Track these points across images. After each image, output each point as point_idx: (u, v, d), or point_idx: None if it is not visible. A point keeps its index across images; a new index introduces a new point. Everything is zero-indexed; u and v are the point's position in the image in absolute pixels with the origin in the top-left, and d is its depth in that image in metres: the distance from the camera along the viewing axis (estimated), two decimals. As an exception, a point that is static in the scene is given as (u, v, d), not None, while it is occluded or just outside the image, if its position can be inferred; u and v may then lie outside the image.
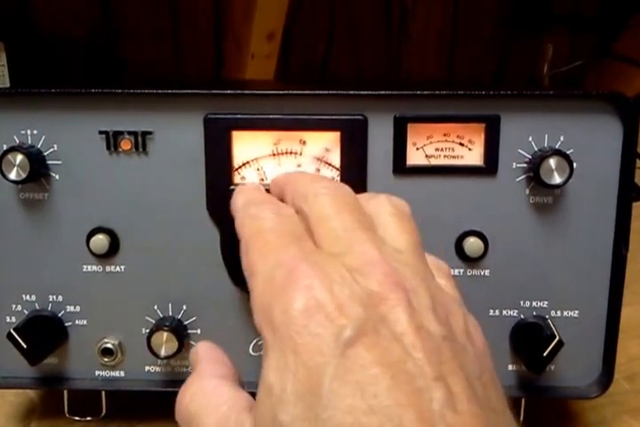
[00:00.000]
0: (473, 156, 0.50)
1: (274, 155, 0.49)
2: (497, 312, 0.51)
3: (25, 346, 0.49)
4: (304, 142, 0.49)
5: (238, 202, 0.40)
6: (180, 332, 0.50)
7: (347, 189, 0.37)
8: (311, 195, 0.35)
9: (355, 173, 0.49)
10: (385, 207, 0.36)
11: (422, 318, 0.30)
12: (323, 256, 0.31)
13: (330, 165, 0.49)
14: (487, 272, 0.51)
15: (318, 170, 0.49)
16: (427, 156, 0.50)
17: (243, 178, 0.49)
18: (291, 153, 0.49)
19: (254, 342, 0.52)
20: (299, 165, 0.49)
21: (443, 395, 0.27)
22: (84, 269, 0.51)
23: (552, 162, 0.47)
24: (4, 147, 0.49)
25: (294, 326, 0.28)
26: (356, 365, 0.27)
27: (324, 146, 0.49)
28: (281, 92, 0.50)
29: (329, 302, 0.29)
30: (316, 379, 0.27)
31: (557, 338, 0.49)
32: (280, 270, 0.31)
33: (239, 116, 0.49)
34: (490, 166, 0.49)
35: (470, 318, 0.34)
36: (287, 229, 0.34)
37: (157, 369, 0.52)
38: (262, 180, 0.49)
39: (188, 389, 0.35)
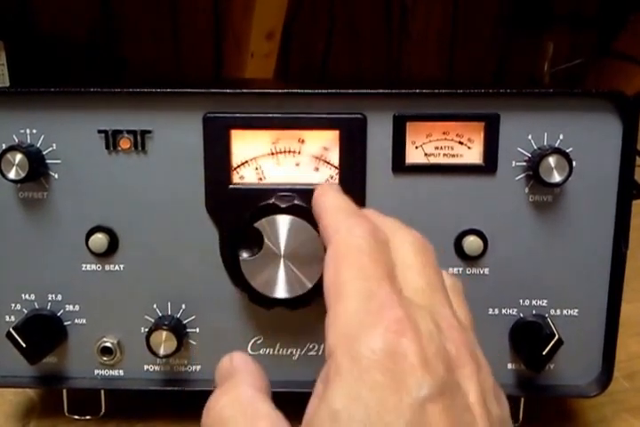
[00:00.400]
0: (472, 154, 0.50)
1: (273, 154, 0.49)
2: (496, 311, 0.51)
3: (24, 345, 0.49)
4: (303, 141, 0.49)
5: (329, 203, 0.38)
6: (179, 331, 0.50)
7: (431, 246, 0.37)
8: (399, 240, 0.36)
9: (354, 172, 0.49)
10: (447, 280, 0.37)
11: (487, 395, 0.31)
12: (414, 305, 0.32)
13: (329, 163, 0.49)
14: (486, 271, 0.51)
15: (317, 169, 0.49)
16: (426, 154, 0.50)
17: (242, 177, 0.49)
18: (290, 152, 0.49)
19: (253, 341, 0.52)
20: (297, 164, 0.49)
21: None
22: (84, 269, 0.51)
23: (551, 160, 0.47)
24: (4, 146, 0.49)
25: (378, 364, 0.29)
26: (431, 421, 0.28)
27: (323, 145, 0.49)
28: (280, 91, 0.50)
29: (416, 354, 0.29)
30: (390, 420, 0.28)
31: (557, 337, 0.49)
32: (373, 304, 0.31)
33: (238, 115, 0.49)
34: (489, 165, 0.49)
35: None
36: (382, 259, 0.34)
37: (156, 368, 0.52)
38: (260, 179, 0.49)
39: (223, 394, 0.35)
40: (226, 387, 0.35)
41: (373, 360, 0.29)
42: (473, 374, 0.31)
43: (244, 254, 0.48)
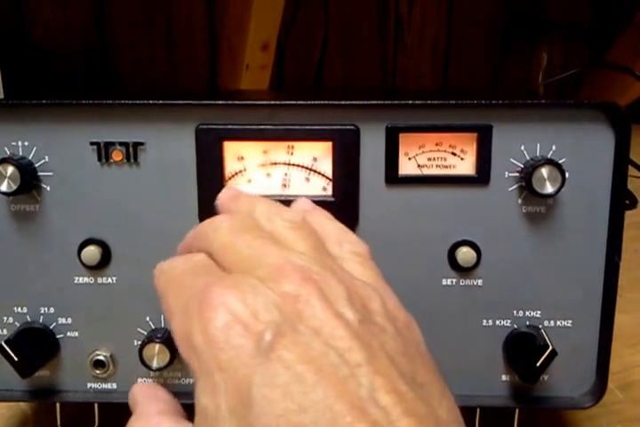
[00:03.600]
0: (465, 165, 0.50)
1: (265, 165, 0.49)
2: (490, 322, 0.51)
3: (16, 359, 0.49)
4: (296, 153, 0.49)
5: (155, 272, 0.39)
6: (172, 343, 0.50)
7: (244, 213, 0.38)
8: (210, 231, 0.36)
9: (347, 184, 0.49)
10: (279, 222, 0.37)
11: (337, 306, 0.30)
12: (233, 275, 0.32)
13: (322, 175, 0.49)
14: (480, 282, 0.51)
15: (310, 180, 0.49)
16: (419, 165, 0.50)
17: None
18: (282, 164, 0.49)
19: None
20: (290, 176, 0.49)
21: (368, 379, 0.28)
22: (76, 281, 0.51)
23: (544, 171, 0.47)
24: (-5, 158, 0.48)
25: (215, 343, 0.29)
26: (280, 367, 0.28)
27: (315, 156, 0.49)
28: (273, 102, 0.50)
29: (244, 313, 0.29)
30: (246, 390, 0.28)
31: (550, 348, 0.48)
32: (194, 300, 0.31)
33: (230, 126, 0.49)
34: (482, 176, 0.49)
35: (390, 297, 0.34)
36: (195, 267, 0.35)
37: (149, 381, 0.52)
38: (253, 191, 0.49)
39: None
40: (131, 422, 0.36)
41: (211, 342, 0.29)
42: (312, 294, 0.30)
43: None
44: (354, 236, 0.38)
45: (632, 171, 1.15)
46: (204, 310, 0.30)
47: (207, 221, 0.38)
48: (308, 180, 0.49)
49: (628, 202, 1.06)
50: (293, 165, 0.49)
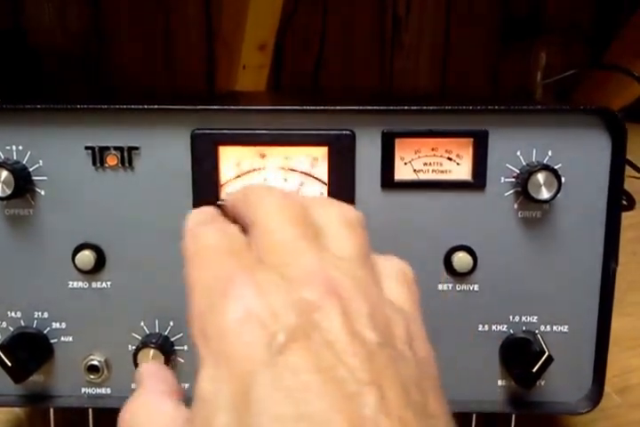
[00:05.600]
0: (461, 170, 0.49)
1: (261, 170, 0.49)
2: (486, 327, 0.51)
3: (10, 364, 0.49)
4: (292, 157, 0.49)
5: (186, 225, 0.38)
6: (167, 348, 0.50)
7: (295, 199, 0.36)
8: (259, 208, 0.36)
9: (343, 188, 0.49)
10: (334, 216, 0.36)
11: (357, 324, 0.29)
12: (261, 267, 0.32)
13: (318, 179, 0.49)
14: (476, 287, 0.51)
15: (306, 185, 0.49)
16: (415, 170, 0.49)
17: (230, 193, 0.49)
18: (278, 168, 0.49)
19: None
20: (286, 180, 0.49)
21: (375, 400, 0.27)
22: (70, 286, 0.51)
23: (540, 177, 0.47)
24: (-11, 163, 0.48)
25: (227, 336, 0.29)
26: (286, 371, 0.27)
27: (311, 161, 0.49)
28: (268, 107, 0.50)
29: (262, 311, 0.29)
30: (247, 387, 0.27)
31: (547, 353, 0.48)
32: (217, 282, 0.31)
33: (226, 131, 0.49)
34: (478, 181, 0.49)
35: (417, 325, 0.34)
36: (228, 245, 0.34)
37: (144, 386, 0.52)
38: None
39: (131, 404, 0.35)
40: (134, 396, 0.36)
41: (223, 334, 0.29)
42: (333, 309, 0.29)
43: None
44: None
45: (631, 172, 1.15)
46: (222, 299, 0.30)
47: (259, 190, 0.37)
48: (303, 184, 0.49)
49: (625, 203, 1.06)
50: (289, 169, 0.49)
